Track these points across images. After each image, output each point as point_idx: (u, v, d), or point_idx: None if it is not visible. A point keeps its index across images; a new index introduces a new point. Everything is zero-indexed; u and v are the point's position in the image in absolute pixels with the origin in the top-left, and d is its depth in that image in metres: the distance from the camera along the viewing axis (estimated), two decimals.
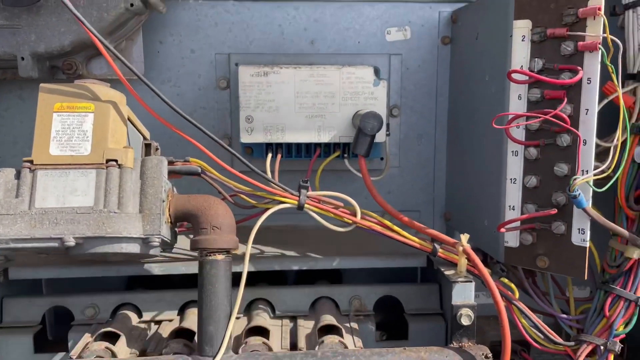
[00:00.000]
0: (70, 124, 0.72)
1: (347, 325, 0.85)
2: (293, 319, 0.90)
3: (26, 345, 0.83)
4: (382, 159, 1.03)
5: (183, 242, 0.86)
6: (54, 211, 0.69)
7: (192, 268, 0.86)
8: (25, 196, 0.69)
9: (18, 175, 0.71)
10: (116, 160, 0.72)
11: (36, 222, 0.68)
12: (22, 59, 0.84)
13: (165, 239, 0.74)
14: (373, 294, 0.91)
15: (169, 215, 0.76)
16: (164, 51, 1.01)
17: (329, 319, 0.85)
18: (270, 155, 0.93)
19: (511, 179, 0.79)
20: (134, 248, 0.72)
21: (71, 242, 0.68)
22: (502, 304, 0.73)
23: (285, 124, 0.92)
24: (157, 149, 0.84)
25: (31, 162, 0.71)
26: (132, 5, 0.85)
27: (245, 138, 0.92)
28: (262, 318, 0.86)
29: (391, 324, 0.93)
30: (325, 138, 0.93)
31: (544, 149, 0.75)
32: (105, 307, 0.88)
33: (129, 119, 0.77)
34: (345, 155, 0.96)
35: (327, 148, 0.97)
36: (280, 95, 0.91)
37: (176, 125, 0.79)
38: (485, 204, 0.87)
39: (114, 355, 0.75)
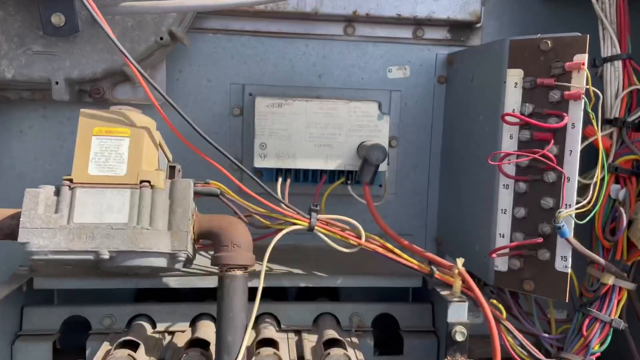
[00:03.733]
0: (107, 147, 0.78)
1: (348, 339, 0.92)
2: (297, 332, 0.97)
3: (46, 352, 0.88)
4: (380, 185, 1.11)
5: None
6: (91, 226, 0.75)
7: (206, 282, 0.93)
8: (65, 212, 0.75)
9: (57, 192, 0.77)
10: (149, 182, 0.78)
11: (74, 235, 0.74)
12: (57, 83, 0.90)
13: (190, 255, 0.81)
14: (371, 311, 0.99)
15: (193, 232, 0.82)
16: (183, 79, 1.09)
17: (332, 333, 0.92)
18: (280, 179, 1.00)
19: (502, 210, 0.88)
20: (162, 262, 0.78)
21: (105, 255, 0.75)
22: (493, 322, 0.81)
23: (296, 152, 1.00)
24: (179, 171, 0.91)
25: (70, 180, 0.77)
26: (161, 39, 0.92)
27: (258, 163, 0.99)
28: (269, 331, 0.93)
29: (381, 342, 1.00)
30: (332, 165, 1.01)
31: (532, 184, 0.85)
32: (121, 318, 0.93)
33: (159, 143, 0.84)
34: (349, 181, 1.04)
35: (332, 174, 1.05)
36: (293, 125, 0.99)
37: (190, 148, 0.87)
38: (477, 231, 0.96)
39: None
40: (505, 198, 0.87)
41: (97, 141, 0.78)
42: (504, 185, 0.87)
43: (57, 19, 0.86)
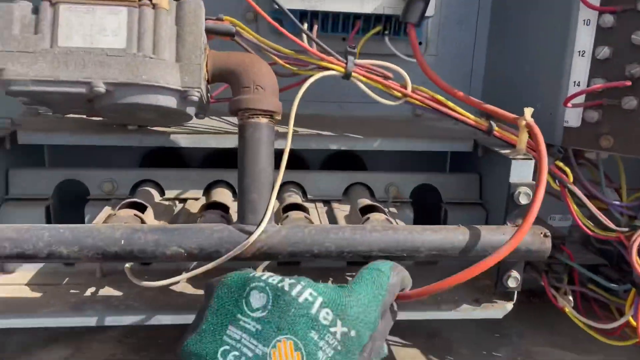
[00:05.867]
0: None
1: (386, 210, 0.80)
2: (327, 203, 0.85)
3: (37, 218, 0.76)
4: (420, 43, 0.95)
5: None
6: (81, 51, 0.60)
7: (222, 141, 0.79)
8: (46, 33, 0.60)
9: (36, 10, 0.61)
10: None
11: (60, 62, 0.59)
12: None
13: (203, 97, 0.66)
14: (410, 181, 0.86)
15: (207, 71, 0.67)
16: None
17: (368, 201, 0.80)
18: (306, 25, 0.84)
19: (579, 52, 0.72)
20: (171, 102, 0.64)
21: (101, 88, 0.60)
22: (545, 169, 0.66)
23: None
24: None
25: None
26: None
27: (282, 2, 0.82)
28: (295, 199, 0.81)
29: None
30: (368, 8, 0.84)
31: (621, 15, 0.69)
32: (124, 183, 0.80)
33: None
34: (387, 32, 0.88)
35: (366, 22, 0.88)
36: None
37: None
38: (539, 87, 0.81)
39: (143, 222, 0.69)
40: (584, 36, 0.72)
41: None
42: (584, 20, 0.72)
43: None
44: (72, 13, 0.60)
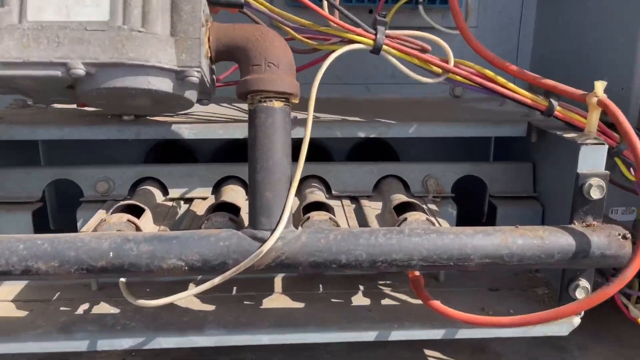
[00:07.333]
0: None
1: (424, 207, 0.68)
2: (354, 199, 0.74)
3: (23, 223, 0.67)
4: None
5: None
6: (55, 26, 0.50)
7: (231, 132, 0.68)
8: (14, 5, 0.50)
9: None
10: None
11: (30, 40, 0.49)
12: None
13: (205, 78, 0.55)
14: (452, 173, 0.74)
15: (209, 47, 0.56)
16: None
17: (404, 197, 0.68)
18: None
19: None
20: (165, 84, 0.53)
21: (80, 70, 0.50)
22: None
23: None
24: None
25: None
26: None
27: None
28: (318, 196, 0.69)
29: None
30: None
31: None
32: (122, 182, 0.70)
33: None
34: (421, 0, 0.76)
35: None
36: None
37: None
38: (606, 56, 0.68)
39: (138, 230, 0.58)
40: None
41: None
42: None
43: None
44: None
